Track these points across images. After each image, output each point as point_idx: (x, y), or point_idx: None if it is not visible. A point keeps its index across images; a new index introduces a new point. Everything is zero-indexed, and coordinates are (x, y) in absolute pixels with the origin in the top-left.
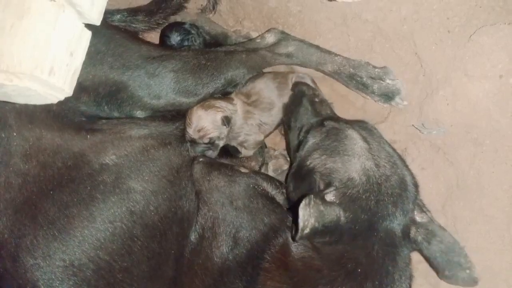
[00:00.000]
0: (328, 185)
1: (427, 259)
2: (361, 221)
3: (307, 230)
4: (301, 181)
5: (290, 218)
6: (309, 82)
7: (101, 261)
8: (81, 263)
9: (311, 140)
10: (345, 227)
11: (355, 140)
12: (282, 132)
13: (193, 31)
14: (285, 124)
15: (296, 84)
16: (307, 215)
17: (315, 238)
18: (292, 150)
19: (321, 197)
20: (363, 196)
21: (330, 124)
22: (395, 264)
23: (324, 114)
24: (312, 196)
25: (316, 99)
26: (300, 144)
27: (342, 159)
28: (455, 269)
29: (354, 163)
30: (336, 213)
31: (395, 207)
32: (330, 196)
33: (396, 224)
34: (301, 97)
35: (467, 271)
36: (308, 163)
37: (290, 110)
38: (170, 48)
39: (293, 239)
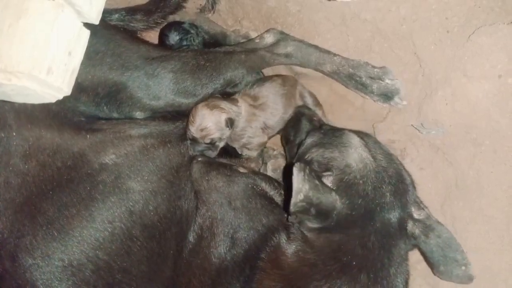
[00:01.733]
0: (326, 170)
1: (424, 254)
2: (358, 206)
3: (301, 196)
4: None
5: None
6: (311, 105)
7: (100, 261)
8: (80, 263)
9: (310, 139)
10: (342, 213)
11: (352, 136)
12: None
13: (192, 31)
14: (284, 140)
15: (297, 107)
16: (301, 179)
17: (310, 218)
18: (289, 159)
19: (318, 176)
20: (360, 181)
21: (327, 126)
22: (391, 256)
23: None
24: (307, 166)
25: (315, 118)
26: (298, 149)
27: (339, 149)
28: (451, 265)
29: (352, 152)
30: (332, 197)
31: (392, 196)
32: (327, 182)
33: (392, 215)
34: (300, 116)
35: (463, 267)
36: (306, 157)
37: (290, 125)
38: (169, 49)
39: (287, 211)
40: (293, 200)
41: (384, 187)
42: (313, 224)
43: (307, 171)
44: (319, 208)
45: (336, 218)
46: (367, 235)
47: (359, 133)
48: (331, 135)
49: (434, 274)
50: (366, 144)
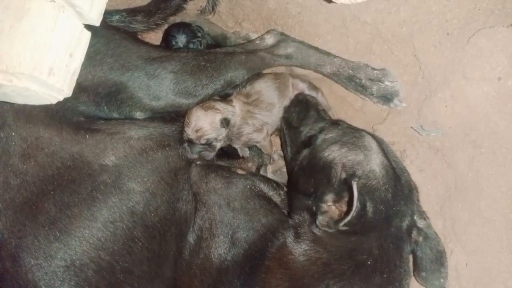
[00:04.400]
0: (352, 176)
1: (415, 258)
2: (379, 211)
3: (354, 214)
4: (317, 172)
5: (296, 215)
6: (307, 90)
7: (102, 261)
8: (82, 263)
9: (328, 135)
10: (367, 217)
11: (371, 139)
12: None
13: (199, 34)
14: (285, 123)
15: (300, 93)
16: (358, 195)
17: (346, 225)
18: (292, 147)
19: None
20: (383, 188)
21: (345, 124)
22: (402, 259)
23: (329, 119)
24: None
25: (320, 107)
26: (309, 140)
27: (364, 152)
28: (432, 275)
29: (375, 157)
30: (365, 203)
31: (405, 205)
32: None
33: (404, 222)
34: (306, 102)
35: (441, 280)
36: (326, 154)
37: (294, 110)
38: (170, 49)
39: (336, 224)
40: (348, 218)
41: (400, 195)
42: (343, 228)
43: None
44: (358, 216)
45: (362, 221)
46: (383, 238)
47: (374, 137)
48: (352, 134)
49: (413, 275)
50: (383, 150)
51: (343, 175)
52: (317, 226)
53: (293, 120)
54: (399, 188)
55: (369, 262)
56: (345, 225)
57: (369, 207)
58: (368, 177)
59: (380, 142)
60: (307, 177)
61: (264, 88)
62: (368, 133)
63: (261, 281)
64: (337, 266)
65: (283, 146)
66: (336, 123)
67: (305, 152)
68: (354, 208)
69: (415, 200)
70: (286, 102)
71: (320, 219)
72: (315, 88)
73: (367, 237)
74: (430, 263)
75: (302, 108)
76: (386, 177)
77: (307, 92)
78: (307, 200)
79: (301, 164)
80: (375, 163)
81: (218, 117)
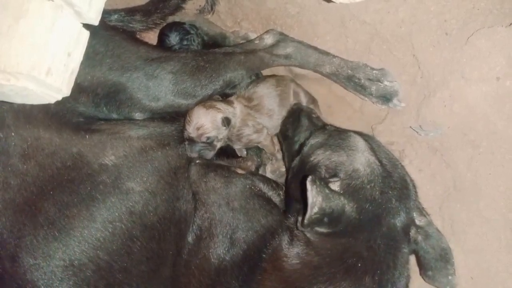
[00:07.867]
0: (333, 176)
1: (418, 257)
2: (365, 211)
3: (315, 209)
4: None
5: (291, 218)
6: (304, 102)
7: (101, 261)
8: (81, 263)
9: (314, 140)
10: (351, 217)
11: (357, 138)
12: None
13: (192, 31)
14: (281, 135)
15: (294, 104)
16: (315, 191)
17: (322, 226)
18: (288, 157)
19: (326, 183)
20: (368, 186)
21: (331, 127)
22: (396, 259)
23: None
24: (316, 177)
25: (313, 115)
26: (301, 148)
27: (347, 153)
28: (439, 273)
29: (359, 156)
30: (341, 202)
31: (398, 202)
32: (334, 187)
33: (398, 220)
34: (299, 112)
35: (450, 277)
36: (312, 159)
37: (288, 122)
38: (169, 50)
39: (302, 223)
40: (308, 214)
41: (390, 192)
42: (323, 230)
43: (318, 182)
44: (331, 216)
45: (346, 223)
46: (373, 238)
47: (363, 135)
48: (337, 137)
49: (420, 275)
50: (371, 148)
51: (326, 177)
52: (297, 227)
53: (288, 131)
54: (389, 185)
55: (359, 265)
56: (313, 224)
57: (352, 207)
58: (351, 177)
59: (369, 141)
60: (297, 183)
61: (266, 94)
62: (356, 132)
63: (257, 282)
64: (328, 270)
65: (283, 157)
66: (323, 127)
67: (297, 160)
68: (310, 205)
69: (412, 197)
70: (286, 110)
71: (300, 220)
72: (314, 102)
73: (356, 238)
74: (435, 262)
75: (295, 118)
76: (371, 175)
77: (304, 103)
78: (299, 205)
79: (293, 171)
80: (359, 162)
81: (219, 116)
